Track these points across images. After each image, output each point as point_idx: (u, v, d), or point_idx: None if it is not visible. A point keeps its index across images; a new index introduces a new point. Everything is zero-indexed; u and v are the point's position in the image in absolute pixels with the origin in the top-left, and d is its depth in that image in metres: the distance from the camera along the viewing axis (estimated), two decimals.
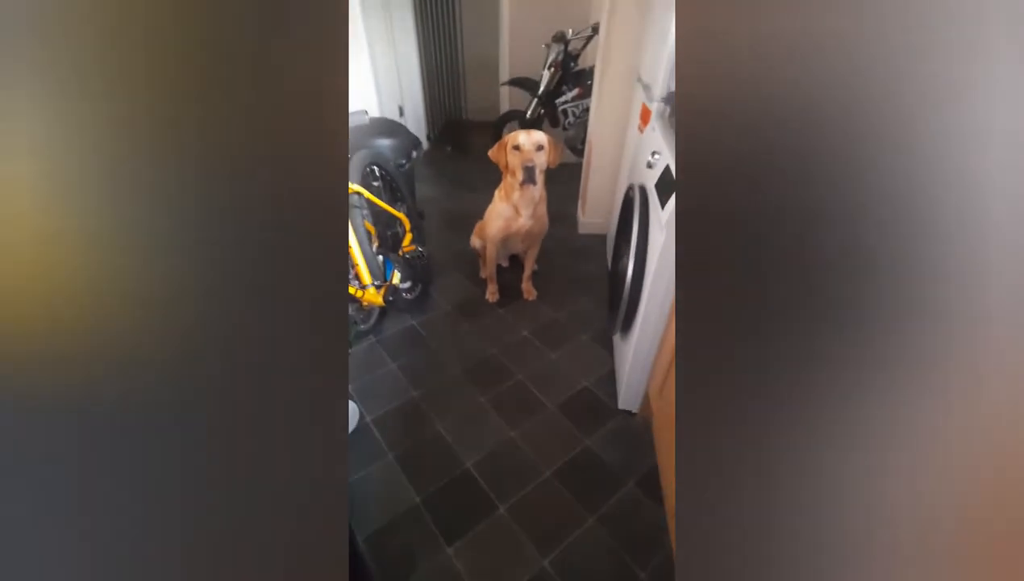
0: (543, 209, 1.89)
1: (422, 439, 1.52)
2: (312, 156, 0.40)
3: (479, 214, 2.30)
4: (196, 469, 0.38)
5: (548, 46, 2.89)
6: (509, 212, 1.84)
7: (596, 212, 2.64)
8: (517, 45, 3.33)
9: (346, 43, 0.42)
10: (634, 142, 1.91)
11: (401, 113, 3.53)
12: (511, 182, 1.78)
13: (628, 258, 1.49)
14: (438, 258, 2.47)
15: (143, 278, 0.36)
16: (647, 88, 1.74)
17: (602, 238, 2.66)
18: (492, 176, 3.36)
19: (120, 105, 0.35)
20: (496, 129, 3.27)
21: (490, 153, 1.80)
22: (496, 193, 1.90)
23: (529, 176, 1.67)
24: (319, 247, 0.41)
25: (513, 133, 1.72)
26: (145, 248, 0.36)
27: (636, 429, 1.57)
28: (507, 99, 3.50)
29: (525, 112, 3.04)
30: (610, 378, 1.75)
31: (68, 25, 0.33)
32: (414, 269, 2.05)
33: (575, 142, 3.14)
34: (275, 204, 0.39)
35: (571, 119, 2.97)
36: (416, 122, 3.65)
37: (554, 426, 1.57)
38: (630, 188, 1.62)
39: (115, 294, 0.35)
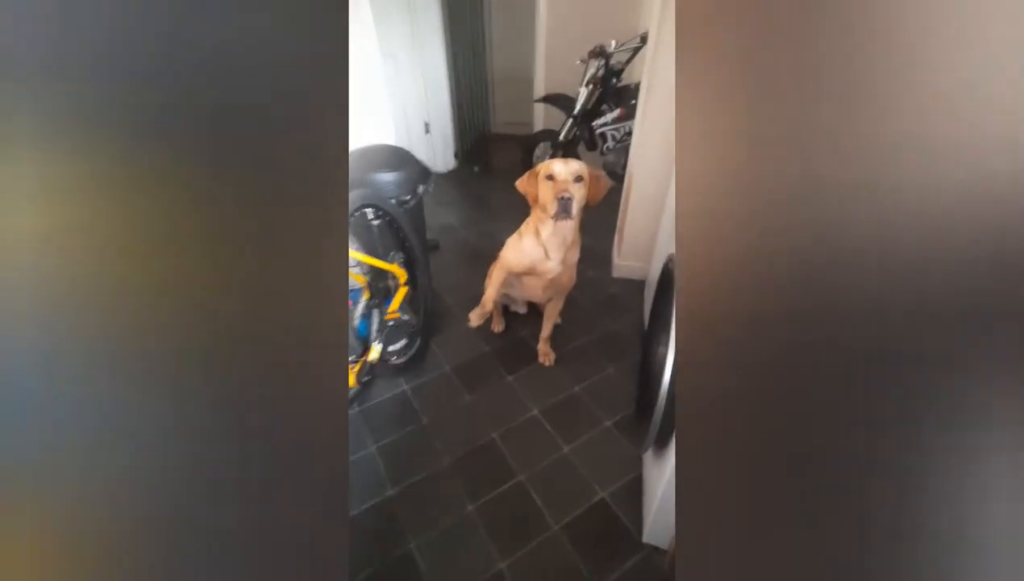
0: (575, 257, 1.56)
1: (391, 560, 1.22)
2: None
3: (497, 245, 2.01)
4: None
5: (585, 62, 2.52)
6: (535, 251, 1.53)
7: (633, 254, 2.26)
8: (555, 56, 2.98)
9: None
10: None
11: (427, 129, 3.28)
12: (541, 217, 1.47)
13: (666, 349, 1.13)
14: (448, 302, 2.17)
15: None
16: None
17: (639, 285, 2.27)
18: (521, 203, 3.06)
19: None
20: (526, 150, 2.95)
21: (518, 184, 1.50)
22: (523, 226, 1.59)
23: (564, 208, 1.35)
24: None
25: (547, 161, 1.42)
26: None
27: (664, 574, 1.20)
28: (541, 117, 3.17)
29: (559, 133, 2.70)
30: (634, 489, 1.39)
31: None
32: (409, 330, 1.78)
33: (615, 168, 2.76)
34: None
35: (610, 143, 2.60)
36: (443, 139, 3.39)
37: (557, 558, 1.23)
38: (671, 259, 1.25)
39: None
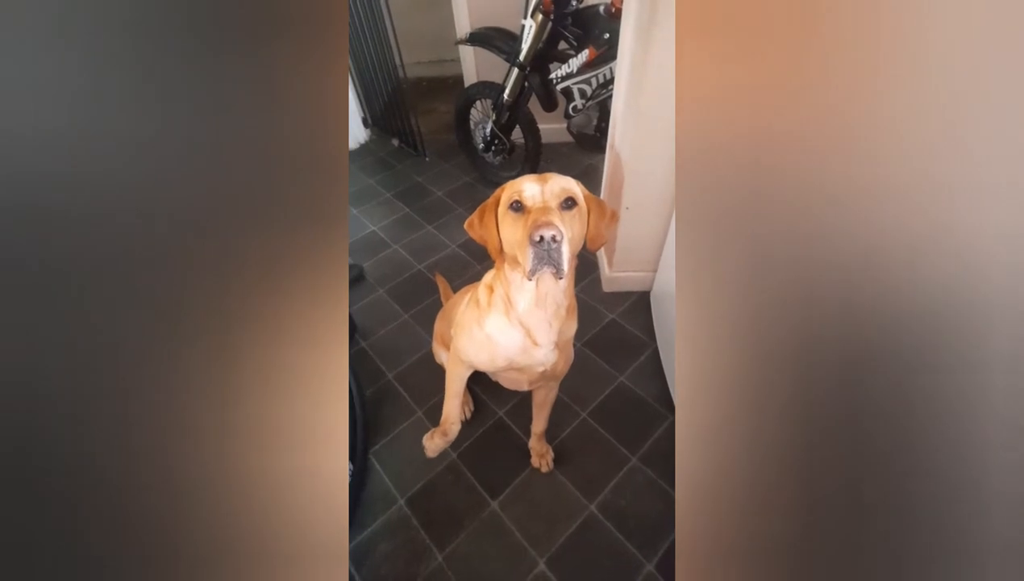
0: (572, 329, 0.93)
1: None
2: None
3: (446, 265, 1.35)
4: None
5: None
6: (512, 339, 0.89)
7: (631, 261, 1.65)
8: None
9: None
10: None
11: None
12: (510, 277, 0.83)
13: None
14: (387, 373, 1.53)
15: None
16: None
17: (641, 300, 1.69)
18: (460, 192, 2.30)
19: None
20: (460, 114, 2.14)
21: (468, 227, 0.85)
22: (480, 290, 0.94)
23: (548, 259, 0.71)
24: None
25: (511, 182, 0.79)
26: None
27: None
28: (472, 63, 2.30)
29: (502, 87, 1.90)
30: None
31: None
32: None
33: (585, 129, 2.03)
34: None
35: (579, 101, 1.84)
36: None
37: None
38: None
39: None
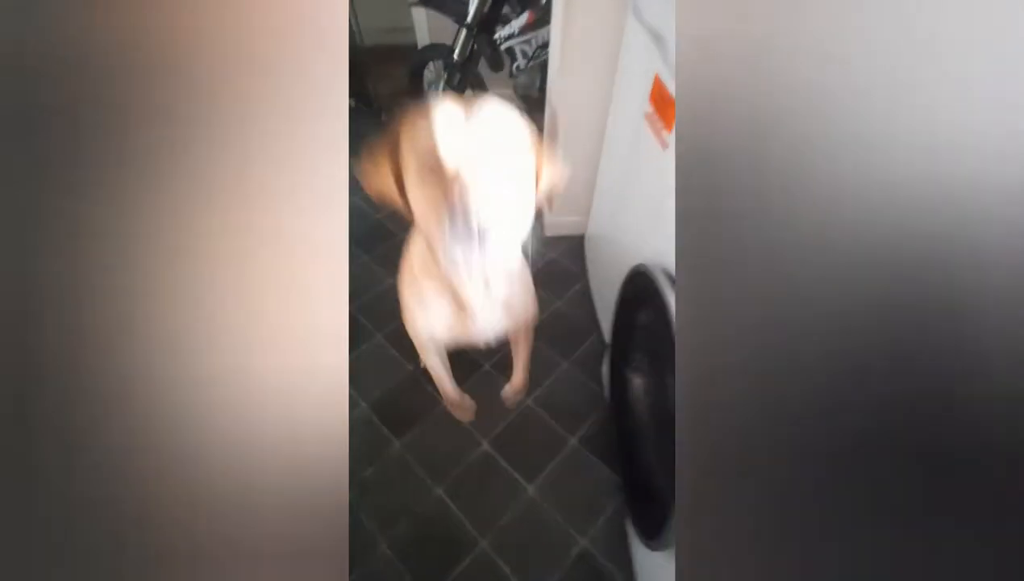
0: (526, 296, 0.86)
1: None
2: None
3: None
4: None
5: None
6: (443, 306, 0.76)
7: (568, 206, 1.86)
8: None
9: None
10: (633, 144, 1.12)
11: None
12: (422, 248, 0.73)
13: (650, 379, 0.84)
14: (374, 333, 1.67)
15: None
16: (659, 39, 0.94)
17: (577, 243, 1.92)
18: None
19: None
20: (413, 75, 2.27)
21: (363, 178, 0.61)
22: (403, 260, 0.84)
23: (465, 232, 0.50)
24: None
25: (417, 117, 0.55)
26: None
27: None
28: (425, 25, 2.42)
29: (451, 48, 2.05)
30: (620, 531, 1.17)
31: None
32: None
33: (529, 90, 2.21)
34: None
35: (520, 61, 2.02)
36: None
37: None
38: (638, 273, 0.89)
39: None
